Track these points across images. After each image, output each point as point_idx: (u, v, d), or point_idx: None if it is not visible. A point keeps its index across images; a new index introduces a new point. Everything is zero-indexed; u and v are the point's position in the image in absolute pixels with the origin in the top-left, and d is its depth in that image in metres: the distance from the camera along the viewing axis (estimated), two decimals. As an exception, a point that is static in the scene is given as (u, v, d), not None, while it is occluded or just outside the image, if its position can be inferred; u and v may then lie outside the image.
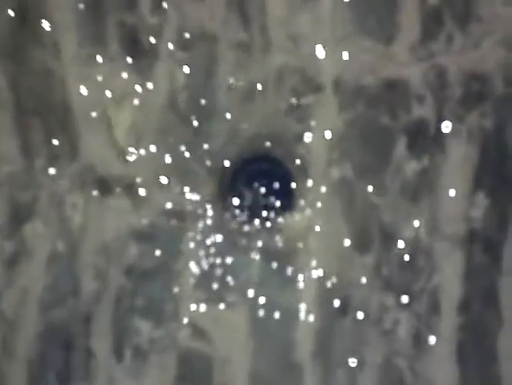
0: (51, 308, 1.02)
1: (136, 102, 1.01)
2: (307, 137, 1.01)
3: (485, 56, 0.98)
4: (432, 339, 0.98)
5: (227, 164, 1.03)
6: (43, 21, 1.00)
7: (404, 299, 0.99)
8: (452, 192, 0.99)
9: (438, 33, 0.98)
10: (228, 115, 1.02)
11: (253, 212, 1.03)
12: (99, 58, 1.01)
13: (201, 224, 1.02)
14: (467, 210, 0.99)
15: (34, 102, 1.02)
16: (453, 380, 0.98)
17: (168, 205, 1.02)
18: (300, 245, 1.01)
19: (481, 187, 0.99)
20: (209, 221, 1.02)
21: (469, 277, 0.99)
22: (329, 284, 1.00)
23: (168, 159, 1.02)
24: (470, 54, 0.98)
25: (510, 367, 0.98)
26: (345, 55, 0.99)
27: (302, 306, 1.01)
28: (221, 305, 1.02)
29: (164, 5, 1.00)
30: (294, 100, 1.01)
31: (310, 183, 1.02)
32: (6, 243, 1.02)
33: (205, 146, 1.02)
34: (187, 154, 1.02)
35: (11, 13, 1.00)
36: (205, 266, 1.02)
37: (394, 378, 0.99)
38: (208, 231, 1.02)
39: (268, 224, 1.03)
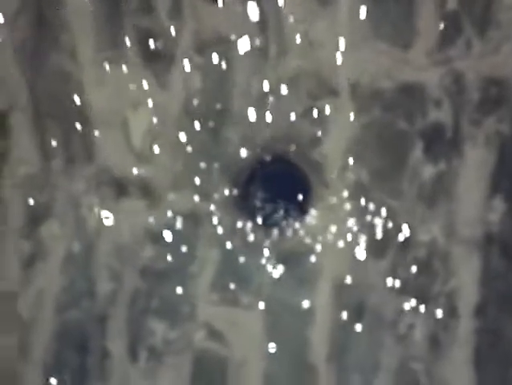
0: (67, 309, 1.03)
1: (152, 105, 1.02)
2: (323, 141, 1.01)
3: (504, 61, 0.98)
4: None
5: (242, 167, 1.03)
6: (61, 25, 1.01)
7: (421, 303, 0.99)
8: (469, 196, 0.99)
9: (456, 38, 0.98)
10: (243, 120, 1.02)
11: (268, 215, 1.03)
12: (116, 62, 1.01)
13: (215, 227, 1.02)
14: (484, 214, 0.99)
15: (51, 105, 1.02)
16: (470, 384, 0.99)
17: (184, 208, 1.03)
18: (315, 248, 1.01)
19: (499, 191, 0.99)
20: (223, 224, 1.03)
21: (485, 281, 0.99)
22: (344, 287, 1.00)
23: (183, 162, 1.02)
24: (489, 60, 0.98)
25: (526, 371, 0.98)
26: (362, 59, 0.99)
27: (317, 308, 1.01)
28: (236, 307, 1.02)
29: (182, 9, 1.00)
30: (309, 104, 1.01)
31: (325, 187, 1.02)
32: (23, 244, 1.03)
33: (221, 150, 1.03)
34: (202, 157, 1.03)
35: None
36: (220, 268, 1.02)
37: (410, 383, 0.99)
38: (222, 233, 1.03)
39: (283, 227, 1.03)
